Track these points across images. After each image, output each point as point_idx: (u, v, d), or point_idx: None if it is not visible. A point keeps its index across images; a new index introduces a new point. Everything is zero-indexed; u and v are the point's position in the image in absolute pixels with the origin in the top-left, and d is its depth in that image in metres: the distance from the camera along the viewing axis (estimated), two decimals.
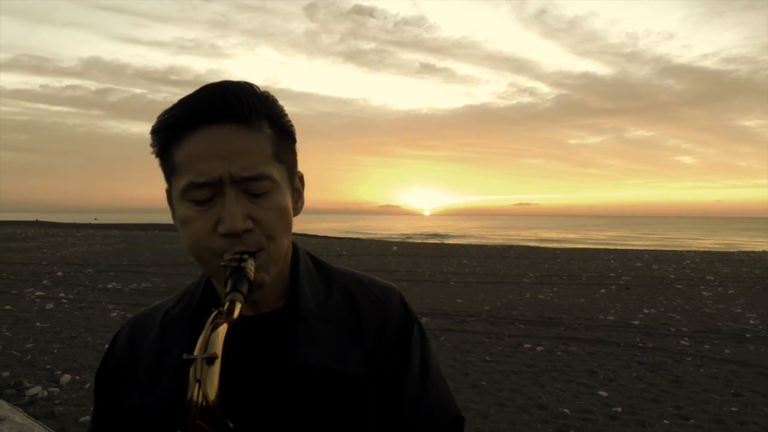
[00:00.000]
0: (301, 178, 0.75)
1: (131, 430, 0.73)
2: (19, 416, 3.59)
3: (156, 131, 0.68)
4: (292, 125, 0.71)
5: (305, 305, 0.73)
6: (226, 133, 0.64)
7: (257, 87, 0.67)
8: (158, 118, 0.68)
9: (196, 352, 0.54)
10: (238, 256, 0.62)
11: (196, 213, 0.65)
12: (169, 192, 0.72)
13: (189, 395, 0.53)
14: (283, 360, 0.69)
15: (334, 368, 0.70)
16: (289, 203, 0.70)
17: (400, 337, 0.77)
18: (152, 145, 0.70)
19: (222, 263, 0.62)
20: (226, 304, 0.59)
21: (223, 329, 0.55)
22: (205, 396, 0.52)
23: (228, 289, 0.60)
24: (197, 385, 0.53)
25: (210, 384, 0.53)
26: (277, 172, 0.67)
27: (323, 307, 0.75)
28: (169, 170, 0.68)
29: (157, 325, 0.78)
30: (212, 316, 0.57)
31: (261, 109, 0.66)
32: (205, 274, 0.79)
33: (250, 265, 0.62)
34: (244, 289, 0.60)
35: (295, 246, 0.78)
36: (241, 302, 0.59)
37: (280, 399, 0.68)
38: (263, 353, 0.70)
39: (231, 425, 0.54)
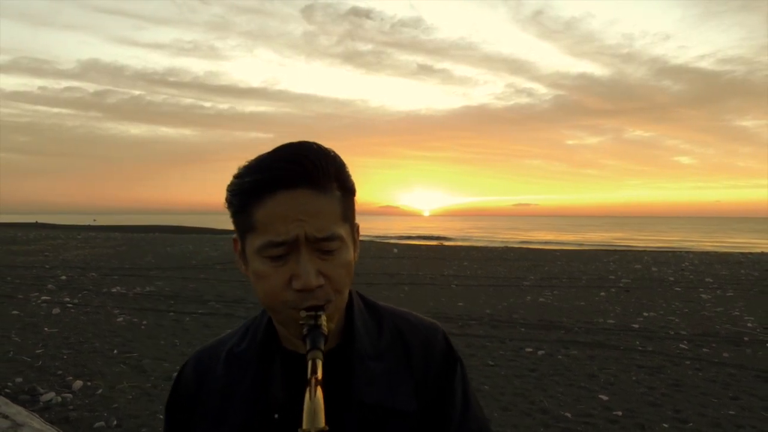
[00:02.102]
0: (358, 228, 0.81)
1: None
2: (37, 422, 3.69)
3: (236, 193, 0.73)
4: (353, 183, 0.77)
5: (361, 345, 0.79)
6: (302, 196, 0.69)
7: (328, 150, 0.73)
8: (236, 178, 0.73)
9: (306, 426, 0.61)
10: (313, 314, 0.69)
11: (271, 268, 0.71)
12: (237, 242, 0.78)
13: None
14: (342, 397, 0.75)
15: (389, 405, 0.77)
16: (353, 258, 0.76)
17: (444, 373, 0.83)
18: (229, 202, 0.75)
19: (300, 321, 0.69)
20: (309, 363, 0.65)
21: (320, 395, 0.62)
22: None
23: (308, 348, 0.66)
24: None
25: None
26: (344, 231, 0.74)
27: (376, 346, 0.81)
28: (246, 227, 0.73)
29: (222, 362, 0.84)
30: (309, 378, 0.64)
31: (332, 173, 0.72)
32: (265, 314, 0.84)
33: (323, 321, 0.69)
34: (321, 345, 0.67)
35: (350, 291, 0.83)
36: (321, 359, 0.65)
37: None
38: (324, 391, 0.78)
39: None
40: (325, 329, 0.68)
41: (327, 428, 0.61)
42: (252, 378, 0.80)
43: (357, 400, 0.76)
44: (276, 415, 0.76)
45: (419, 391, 0.80)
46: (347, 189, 0.76)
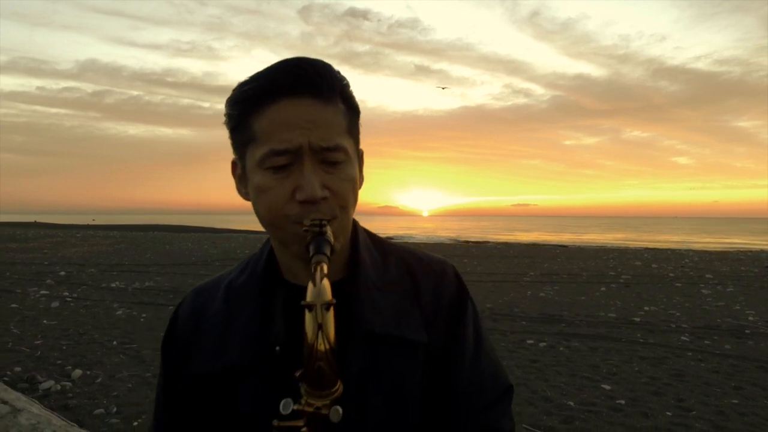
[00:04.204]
0: (362, 155, 0.78)
1: (197, 396, 0.76)
2: (36, 407, 3.66)
3: (236, 101, 0.70)
4: (358, 104, 0.74)
5: (366, 275, 0.77)
6: (306, 105, 0.67)
7: (333, 66, 0.70)
8: (236, 89, 0.70)
9: (311, 299, 0.57)
10: (318, 222, 0.65)
11: (273, 181, 0.68)
12: (236, 165, 0.75)
13: (310, 340, 0.56)
14: (348, 326, 0.70)
15: (396, 334, 0.74)
16: (358, 176, 0.74)
17: (456, 308, 0.80)
18: (228, 115, 0.71)
19: (304, 228, 0.65)
20: (313, 267, 0.61)
21: (327, 282, 0.58)
22: (327, 338, 0.55)
23: (312, 252, 0.62)
24: (318, 329, 0.55)
25: (329, 328, 0.56)
26: (349, 145, 0.71)
27: (382, 278, 0.78)
28: (246, 140, 0.70)
29: (220, 295, 0.80)
30: (313, 269, 0.60)
31: (337, 85, 0.69)
32: (266, 246, 0.82)
33: (329, 231, 0.65)
34: (328, 251, 0.62)
35: (354, 220, 0.80)
36: (326, 263, 0.61)
37: (345, 363, 0.68)
38: None
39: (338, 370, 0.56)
40: (330, 238, 0.64)
41: (334, 301, 0.57)
42: (252, 310, 0.76)
43: (365, 330, 0.72)
44: (277, 348, 0.72)
45: (429, 326, 0.77)
46: (352, 107, 0.73)
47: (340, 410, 0.54)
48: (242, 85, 0.70)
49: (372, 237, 0.85)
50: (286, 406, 0.58)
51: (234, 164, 0.76)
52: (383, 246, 0.84)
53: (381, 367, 0.72)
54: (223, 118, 0.73)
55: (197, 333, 0.79)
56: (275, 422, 0.56)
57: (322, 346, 0.55)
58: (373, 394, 0.71)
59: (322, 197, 0.67)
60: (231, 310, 0.78)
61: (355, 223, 0.81)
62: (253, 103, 0.68)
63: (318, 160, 0.68)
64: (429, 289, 0.79)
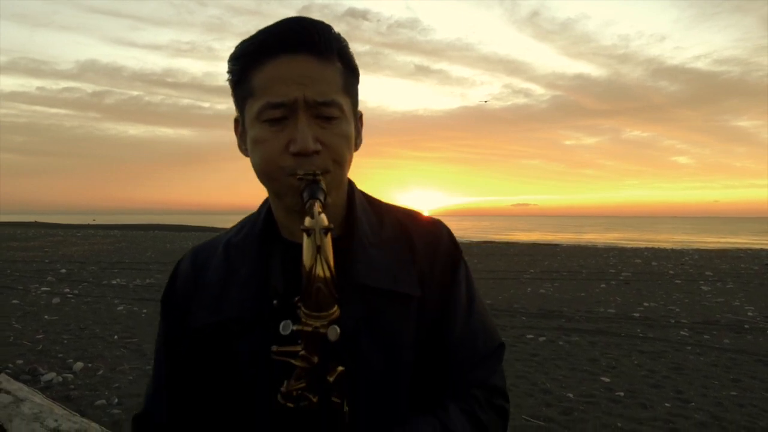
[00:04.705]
0: (361, 117, 0.80)
1: (196, 349, 0.78)
2: (38, 397, 3.68)
3: (237, 57, 0.73)
4: (356, 66, 0.77)
5: (362, 233, 0.79)
6: (303, 61, 0.69)
7: (333, 28, 0.73)
8: (238, 46, 0.73)
9: (309, 225, 0.58)
10: (311, 173, 0.67)
11: (269, 133, 0.70)
12: (237, 123, 0.78)
13: (309, 262, 0.57)
14: (343, 280, 0.71)
15: (390, 288, 0.76)
16: (353, 134, 0.76)
17: (449, 266, 0.83)
18: (230, 72, 0.74)
19: (298, 177, 0.67)
20: (307, 206, 0.63)
21: (324, 216, 0.60)
22: (325, 261, 0.57)
23: (306, 198, 0.64)
24: (317, 251, 0.57)
25: (328, 251, 0.57)
26: (345, 103, 0.73)
27: (378, 236, 0.80)
28: (245, 95, 0.73)
29: (220, 252, 0.83)
30: (308, 206, 0.62)
31: (334, 45, 0.72)
32: (263, 206, 0.84)
33: (322, 181, 0.67)
34: (321, 197, 0.64)
35: (350, 181, 0.83)
36: (320, 204, 0.63)
37: (340, 314, 0.70)
38: None
39: (336, 295, 0.57)
40: (324, 188, 0.66)
41: (332, 226, 0.58)
42: (251, 266, 0.79)
43: (360, 284, 0.74)
44: (275, 302, 0.74)
45: (423, 282, 0.79)
46: (350, 67, 0.75)
47: (338, 329, 0.56)
48: (244, 42, 0.73)
49: (368, 198, 0.87)
50: (286, 327, 0.59)
51: (236, 122, 0.79)
52: (379, 206, 0.86)
53: (375, 317, 0.74)
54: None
55: (197, 288, 0.82)
56: (274, 348, 0.57)
57: (320, 268, 0.56)
58: (367, 343, 0.73)
59: (314, 150, 0.69)
60: (230, 266, 0.80)
61: (351, 184, 0.84)
62: (253, 58, 0.71)
63: (312, 114, 0.70)
64: (423, 247, 0.82)
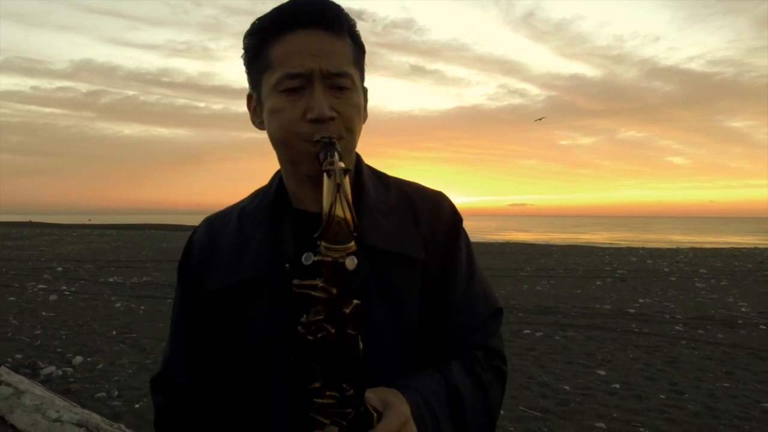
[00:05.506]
0: (366, 92, 0.84)
1: (212, 311, 0.82)
2: (39, 389, 3.70)
3: (255, 32, 0.77)
4: (363, 44, 0.82)
5: (369, 200, 0.83)
6: (318, 36, 0.75)
7: (342, 7, 0.79)
8: (255, 22, 0.78)
9: (330, 167, 0.62)
10: (327, 137, 0.70)
11: (286, 102, 0.75)
12: (251, 98, 0.82)
13: (329, 199, 0.60)
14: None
15: (397, 251, 0.80)
16: (362, 104, 0.81)
17: (451, 232, 0.87)
18: (246, 47, 0.79)
19: (315, 139, 0.71)
20: (325, 163, 0.64)
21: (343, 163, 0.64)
22: (344, 197, 0.60)
23: (323, 157, 0.66)
24: (337, 189, 0.60)
25: (347, 189, 0.61)
26: (355, 75, 0.78)
27: (384, 203, 0.85)
28: (262, 68, 0.77)
29: (234, 220, 0.87)
30: (326, 155, 0.65)
31: (345, 22, 0.77)
32: (275, 177, 0.88)
33: (338, 146, 0.70)
34: (337, 157, 0.65)
35: (357, 153, 0.87)
36: (337, 160, 0.64)
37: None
38: None
39: (356, 234, 0.61)
40: (339, 150, 0.69)
41: (350, 168, 0.62)
42: (264, 232, 0.83)
43: (369, 245, 0.78)
44: (287, 266, 0.78)
45: (427, 247, 0.83)
46: (358, 44, 0.81)
47: (355, 259, 0.59)
48: (261, 18, 0.78)
49: (373, 170, 0.92)
50: (308, 258, 0.63)
51: (249, 97, 0.83)
52: (385, 177, 0.92)
53: (382, 277, 0.79)
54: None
55: (212, 254, 0.86)
56: (296, 281, 0.61)
57: (339, 205, 0.59)
58: (375, 301, 0.78)
59: (330, 117, 0.74)
60: (244, 233, 0.84)
61: (358, 156, 0.88)
62: (271, 32, 0.76)
63: (327, 85, 0.75)
64: (427, 213, 0.87)
